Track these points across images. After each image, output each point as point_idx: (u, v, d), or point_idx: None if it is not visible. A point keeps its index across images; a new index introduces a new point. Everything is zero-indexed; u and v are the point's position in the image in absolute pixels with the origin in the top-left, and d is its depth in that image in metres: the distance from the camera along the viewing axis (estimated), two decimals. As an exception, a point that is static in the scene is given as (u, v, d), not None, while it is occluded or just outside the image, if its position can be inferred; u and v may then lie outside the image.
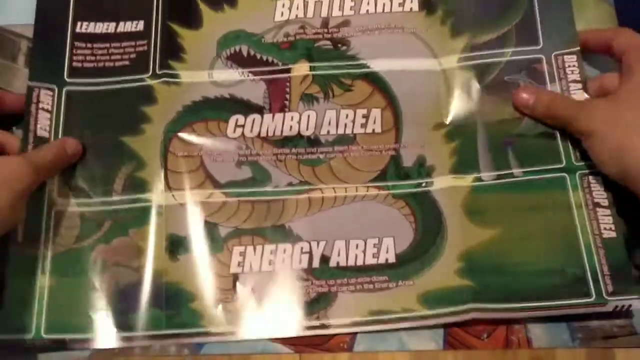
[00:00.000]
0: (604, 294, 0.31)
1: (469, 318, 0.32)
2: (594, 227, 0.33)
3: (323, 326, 0.32)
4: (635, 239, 0.33)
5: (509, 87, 0.36)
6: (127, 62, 0.37)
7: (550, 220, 0.33)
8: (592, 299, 0.31)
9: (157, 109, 0.36)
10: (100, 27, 0.37)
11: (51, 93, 0.36)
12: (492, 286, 0.32)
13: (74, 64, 0.37)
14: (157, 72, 0.37)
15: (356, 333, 0.33)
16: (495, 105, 0.36)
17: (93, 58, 0.37)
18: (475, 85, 0.36)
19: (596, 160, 0.32)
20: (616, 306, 0.31)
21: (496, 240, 0.33)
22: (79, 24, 0.38)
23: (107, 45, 0.37)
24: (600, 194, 0.33)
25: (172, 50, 0.37)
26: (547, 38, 0.36)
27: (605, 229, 0.32)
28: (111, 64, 0.37)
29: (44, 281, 0.33)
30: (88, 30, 0.37)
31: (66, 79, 0.36)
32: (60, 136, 0.35)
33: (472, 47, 0.37)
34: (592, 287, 0.31)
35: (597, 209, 0.33)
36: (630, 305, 0.31)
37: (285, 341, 0.32)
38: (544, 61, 0.36)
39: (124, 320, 0.32)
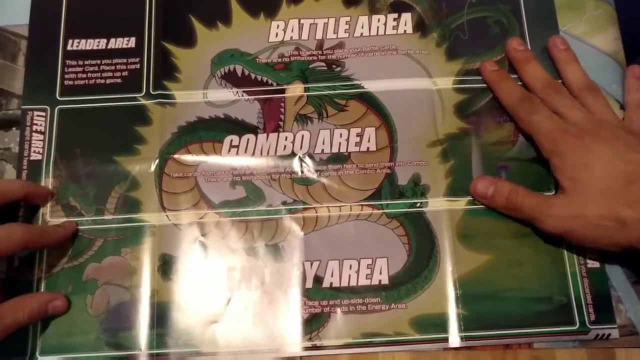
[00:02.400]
0: (586, 323, 0.32)
1: (458, 345, 0.32)
2: (579, 257, 0.33)
3: (315, 347, 0.32)
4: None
5: (503, 111, 0.36)
6: (119, 80, 0.37)
7: (539, 247, 0.33)
8: (575, 327, 0.32)
9: (151, 130, 0.36)
10: (91, 44, 0.38)
11: (44, 114, 0.36)
12: (482, 313, 0.32)
13: (66, 82, 0.37)
14: (152, 92, 0.37)
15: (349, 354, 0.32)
16: (489, 128, 0.36)
17: (84, 76, 0.37)
18: (471, 107, 0.36)
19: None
20: (597, 334, 0.32)
21: (487, 266, 0.33)
22: (70, 41, 0.38)
23: (98, 62, 0.37)
24: None
25: (166, 70, 0.37)
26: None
27: (590, 259, 0.33)
28: (102, 81, 0.37)
29: (36, 302, 0.33)
30: (79, 48, 0.38)
31: (58, 98, 0.37)
32: (52, 157, 0.35)
33: (467, 72, 0.37)
34: (576, 315, 0.32)
35: None
36: (609, 334, 0.32)
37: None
38: None
39: (115, 339, 0.32)
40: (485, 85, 0.37)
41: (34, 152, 0.35)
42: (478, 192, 0.34)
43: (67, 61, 0.37)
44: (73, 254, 0.34)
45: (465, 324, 0.32)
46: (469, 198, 0.35)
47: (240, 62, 0.37)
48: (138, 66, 0.37)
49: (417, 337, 0.32)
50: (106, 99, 0.37)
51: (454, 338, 0.32)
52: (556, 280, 0.33)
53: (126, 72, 0.37)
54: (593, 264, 0.33)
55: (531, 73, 0.35)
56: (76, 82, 0.37)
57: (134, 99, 0.37)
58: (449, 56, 0.37)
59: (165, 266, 0.34)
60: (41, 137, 0.35)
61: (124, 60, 0.37)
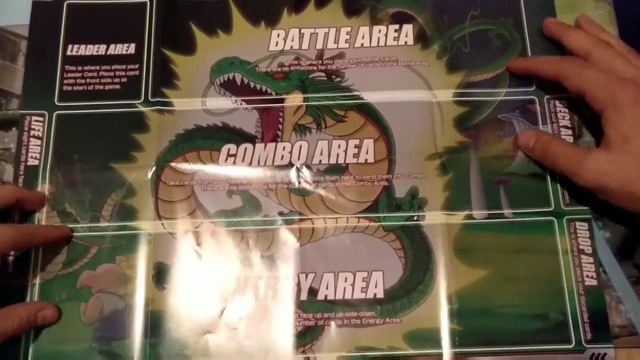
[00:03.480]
0: (582, 342, 0.32)
1: None
2: (577, 274, 0.33)
3: (308, 360, 0.32)
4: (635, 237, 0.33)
5: (503, 124, 0.36)
6: (117, 87, 0.37)
7: (536, 264, 0.33)
8: (571, 346, 0.32)
9: (149, 137, 0.36)
10: (90, 49, 0.38)
11: (42, 119, 0.36)
12: (477, 330, 0.32)
13: (65, 87, 0.37)
14: (150, 99, 0.37)
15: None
16: (489, 141, 0.36)
17: (83, 81, 0.37)
18: (470, 120, 0.36)
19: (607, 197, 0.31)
20: (593, 354, 0.32)
21: (483, 282, 0.33)
22: (70, 47, 0.38)
23: (97, 67, 0.37)
24: (585, 241, 0.33)
25: (165, 77, 0.37)
26: (540, 82, 0.37)
27: (587, 276, 0.33)
28: (101, 87, 0.37)
29: (29, 309, 0.33)
30: (79, 53, 0.37)
31: (56, 103, 0.36)
32: (49, 163, 0.35)
33: (467, 85, 0.37)
34: (572, 333, 0.32)
35: (582, 256, 0.33)
36: (605, 354, 0.32)
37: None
38: (537, 102, 0.36)
39: (108, 348, 0.32)
40: (485, 99, 0.36)
41: (31, 157, 0.35)
42: (522, 142, 0.34)
43: (67, 66, 0.37)
44: (67, 260, 0.34)
45: (460, 340, 0.32)
46: (467, 212, 0.34)
47: (239, 71, 0.37)
48: (137, 73, 0.37)
49: (412, 352, 0.32)
50: (105, 105, 0.36)
51: (448, 354, 0.32)
52: (553, 298, 0.32)
53: (125, 79, 0.37)
54: (590, 281, 0.33)
55: (576, 37, 0.34)
56: (75, 88, 0.37)
57: (133, 105, 0.36)
58: (450, 68, 0.37)
59: (159, 275, 0.34)
60: (39, 142, 0.35)
61: (124, 67, 0.37)
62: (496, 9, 0.38)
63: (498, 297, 0.33)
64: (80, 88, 0.37)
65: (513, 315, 0.32)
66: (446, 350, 0.32)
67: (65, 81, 0.37)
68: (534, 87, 0.37)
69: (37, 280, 0.33)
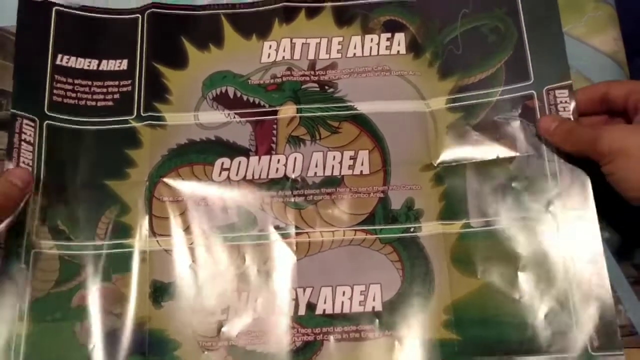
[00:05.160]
0: (589, 349, 0.31)
1: None
2: (583, 282, 0.32)
3: (308, 375, 0.32)
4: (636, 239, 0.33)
5: (499, 127, 0.35)
6: (110, 103, 0.37)
7: (539, 272, 0.33)
8: (577, 354, 0.31)
9: (142, 152, 0.36)
10: (81, 63, 0.37)
11: (33, 124, 0.35)
12: (477, 339, 0.32)
13: (54, 97, 0.36)
14: (142, 114, 0.36)
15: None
16: (485, 146, 0.35)
17: (74, 95, 0.36)
18: (465, 127, 0.36)
19: (619, 184, 0.31)
20: None
21: (482, 291, 0.33)
22: (59, 56, 0.37)
23: (89, 83, 0.37)
24: (591, 246, 0.32)
25: (157, 91, 0.37)
26: (538, 72, 0.35)
27: (596, 283, 0.32)
28: (93, 103, 0.37)
29: (21, 328, 0.32)
30: (69, 64, 0.37)
31: (46, 112, 0.36)
32: (42, 173, 0.35)
33: (461, 89, 0.36)
34: (577, 341, 0.31)
35: (589, 263, 0.32)
36: None
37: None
38: (535, 97, 0.35)
39: None
40: (480, 101, 0.36)
41: (23, 162, 0.34)
42: (542, 126, 0.34)
43: (56, 76, 0.37)
44: (60, 279, 0.33)
45: (460, 349, 0.31)
46: (464, 221, 0.34)
47: (232, 84, 0.37)
48: (129, 88, 0.37)
49: None
50: (97, 122, 0.36)
51: None
52: (556, 305, 0.32)
53: (118, 95, 0.37)
54: (598, 289, 0.32)
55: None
56: (65, 100, 0.36)
57: (125, 121, 0.36)
58: (442, 75, 0.37)
59: (156, 293, 0.33)
60: (30, 147, 0.35)
61: (116, 83, 0.37)
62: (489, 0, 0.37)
63: (498, 305, 0.32)
64: (72, 102, 0.36)
65: (513, 324, 0.32)
66: None
67: (55, 91, 0.36)
68: (532, 80, 0.35)
69: (27, 298, 0.33)
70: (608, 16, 0.37)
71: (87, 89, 0.37)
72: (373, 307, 0.33)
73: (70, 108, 0.36)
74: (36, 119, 0.35)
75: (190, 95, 0.37)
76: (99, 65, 0.37)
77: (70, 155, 0.35)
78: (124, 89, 0.37)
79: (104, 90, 0.37)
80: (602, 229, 0.33)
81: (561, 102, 0.35)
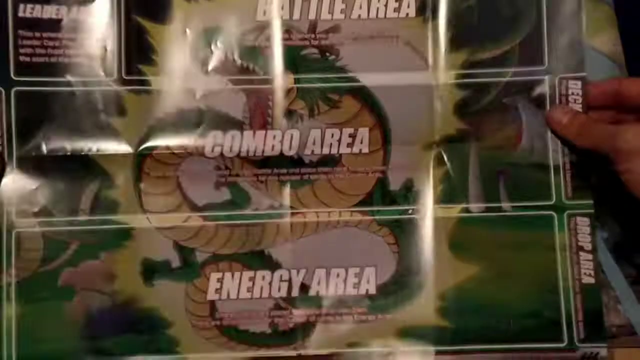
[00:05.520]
0: (575, 341, 0.32)
1: (444, 358, 0.32)
2: (574, 272, 0.32)
3: (300, 357, 0.32)
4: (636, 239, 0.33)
5: (507, 110, 0.34)
6: (85, 60, 0.33)
7: (532, 260, 0.33)
8: (563, 345, 0.32)
9: (126, 122, 0.33)
10: (48, 11, 0.33)
11: None
12: (469, 327, 0.32)
13: (21, 57, 0.32)
14: (124, 76, 0.33)
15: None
16: (491, 129, 0.34)
17: (44, 51, 0.33)
18: (472, 106, 0.34)
19: (635, 184, 0.30)
20: (585, 353, 0.32)
21: (477, 278, 0.33)
22: (21, 6, 0.32)
23: (59, 35, 0.33)
24: (584, 237, 0.33)
25: (141, 51, 0.33)
26: (553, 58, 0.34)
27: (585, 274, 0.32)
28: (67, 60, 0.33)
29: (9, 310, 0.32)
30: (34, 15, 0.33)
31: (13, 77, 0.32)
32: (15, 146, 0.32)
33: (472, 64, 0.34)
34: (565, 332, 0.32)
35: (580, 253, 0.33)
36: (598, 353, 0.32)
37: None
38: (547, 84, 0.34)
39: (98, 345, 0.32)
40: (490, 80, 0.34)
41: None
42: (554, 116, 0.32)
43: (20, 31, 0.32)
44: (45, 257, 0.32)
45: (451, 337, 0.32)
46: (463, 205, 0.33)
47: (223, 45, 0.34)
48: (107, 43, 0.33)
49: (403, 348, 0.32)
50: (72, 83, 0.33)
51: (439, 351, 0.32)
52: (547, 295, 0.32)
53: (94, 51, 0.33)
54: (588, 279, 0.32)
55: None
56: (35, 59, 0.33)
57: (105, 83, 0.33)
58: (454, 45, 0.34)
59: (147, 272, 0.32)
60: None
61: (90, 35, 0.33)
62: None
63: (491, 294, 0.33)
64: (42, 60, 0.33)
65: (505, 313, 0.32)
66: (437, 347, 0.32)
67: (22, 50, 0.32)
68: (546, 65, 0.34)
69: (13, 279, 0.32)
70: (607, 16, 0.35)
71: (57, 42, 0.33)
72: (367, 290, 0.33)
73: (41, 68, 0.32)
74: (1, 89, 0.32)
75: (177, 55, 0.34)
76: (68, 12, 0.33)
77: (45, 123, 0.32)
78: (101, 43, 0.33)
79: (77, 43, 0.33)
80: (601, 228, 0.33)
81: (572, 93, 0.33)
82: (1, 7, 0.32)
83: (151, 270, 0.33)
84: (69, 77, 0.33)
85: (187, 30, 0.34)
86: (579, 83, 0.33)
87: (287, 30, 0.34)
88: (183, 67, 0.33)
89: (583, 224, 0.33)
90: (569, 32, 0.34)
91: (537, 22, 0.34)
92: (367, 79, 0.34)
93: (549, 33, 0.34)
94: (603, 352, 0.32)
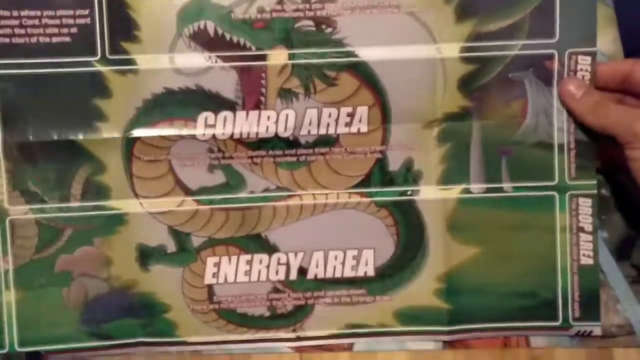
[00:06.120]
0: (570, 319, 0.32)
1: (442, 339, 0.33)
2: (573, 252, 0.32)
3: (299, 338, 0.33)
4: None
5: (513, 86, 0.32)
6: (67, 39, 0.31)
7: (532, 241, 0.32)
8: (558, 323, 0.32)
9: (112, 103, 0.31)
10: None
11: None
12: (467, 308, 0.32)
13: (0, 39, 0.31)
14: (108, 56, 0.31)
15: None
16: (495, 106, 0.32)
17: (23, 32, 0.31)
18: (477, 81, 0.32)
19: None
20: (578, 331, 0.32)
21: (476, 260, 0.32)
22: None
23: (38, 13, 0.31)
24: (586, 219, 0.32)
25: (124, 27, 0.31)
26: (565, 31, 0.32)
27: (584, 255, 0.32)
28: (47, 39, 0.31)
29: (9, 296, 0.32)
30: None
31: None
32: (0, 133, 0.31)
33: (478, 36, 0.32)
34: (560, 311, 0.32)
35: (580, 234, 0.32)
36: (591, 332, 0.32)
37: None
38: (556, 58, 0.32)
39: (97, 329, 0.32)
40: (497, 53, 0.32)
41: None
42: (567, 89, 0.31)
43: None
44: (40, 244, 0.32)
45: (450, 318, 0.32)
46: (464, 186, 0.33)
47: (211, 18, 0.31)
48: (88, 20, 0.31)
49: (402, 329, 0.33)
50: (54, 64, 0.31)
51: (438, 332, 0.33)
52: (544, 275, 0.32)
53: (75, 29, 0.31)
54: (586, 260, 0.32)
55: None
56: (14, 40, 0.31)
57: (88, 63, 0.31)
58: (459, 15, 0.32)
59: (143, 257, 0.32)
60: None
61: (71, 13, 0.31)
62: None
63: (489, 275, 0.32)
64: (21, 40, 0.31)
65: (503, 293, 0.32)
66: (436, 328, 0.33)
67: (0, 31, 0.30)
68: (557, 39, 0.32)
69: (10, 266, 0.31)
70: (606, 17, 0.32)
71: (37, 22, 0.31)
72: (365, 272, 0.33)
73: (21, 49, 0.31)
74: None
75: (163, 31, 0.31)
76: None
77: (29, 108, 0.31)
78: (82, 20, 0.31)
79: (57, 22, 0.31)
80: (601, 228, 0.33)
81: (582, 69, 0.31)
82: None
83: (147, 256, 0.32)
84: (50, 59, 0.31)
85: (173, 3, 0.31)
86: (589, 59, 0.31)
87: (280, 1, 0.32)
88: (169, 44, 0.31)
89: (585, 205, 0.32)
90: (583, 3, 0.31)
91: None
92: (366, 54, 0.32)
93: (562, 3, 0.31)
94: (597, 330, 0.32)
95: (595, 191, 0.32)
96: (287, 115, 0.32)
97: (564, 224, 0.32)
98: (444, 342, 0.33)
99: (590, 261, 0.32)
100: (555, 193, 0.32)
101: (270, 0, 0.32)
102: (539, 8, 0.32)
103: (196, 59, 0.32)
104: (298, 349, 0.33)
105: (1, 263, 0.32)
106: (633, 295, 0.33)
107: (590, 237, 0.32)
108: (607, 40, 0.33)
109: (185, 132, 0.32)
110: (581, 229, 0.32)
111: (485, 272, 0.33)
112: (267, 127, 0.32)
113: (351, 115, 0.32)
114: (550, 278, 0.32)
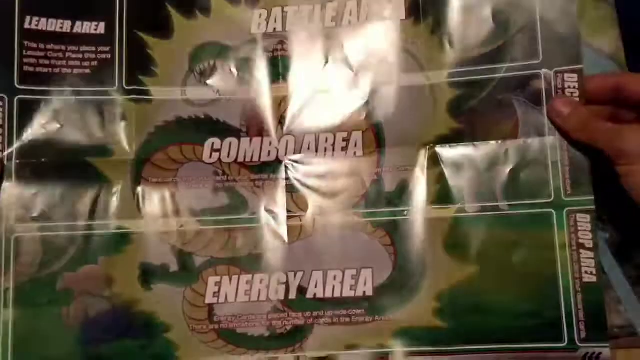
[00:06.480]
0: (576, 341, 0.31)
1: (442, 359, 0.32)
2: (575, 270, 0.32)
3: (298, 359, 0.32)
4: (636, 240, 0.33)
5: (502, 107, 0.34)
6: (87, 71, 0.34)
7: (531, 259, 0.32)
8: (563, 345, 0.31)
9: (126, 128, 0.34)
10: (53, 25, 0.34)
11: (1, 104, 0.33)
12: (467, 328, 0.32)
13: (25, 67, 0.34)
14: (125, 87, 0.34)
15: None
16: (486, 127, 0.34)
17: (47, 62, 0.34)
18: (465, 104, 0.34)
19: (636, 188, 0.29)
20: (587, 353, 0.31)
21: (474, 278, 0.32)
22: (27, 18, 0.34)
23: (63, 47, 0.34)
24: (585, 235, 0.32)
25: (141, 63, 0.35)
26: (548, 51, 0.33)
27: (586, 272, 0.32)
28: (69, 70, 0.34)
29: (7, 315, 0.32)
30: (39, 27, 0.34)
31: (17, 86, 0.34)
32: (15, 154, 0.33)
33: (463, 62, 0.34)
34: (565, 332, 0.31)
35: (581, 251, 0.32)
36: (600, 354, 0.31)
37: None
38: (542, 78, 0.33)
39: (96, 351, 0.32)
40: (483, 77, 0.34)
41: None
42: (555, 107, 0.32)
43: (26, 42, 0.34)
44: (43, 262, 0.32)
45: (449, 338, 0.32)
46: (459, 205, 0.34)
47: (220, 57, 0.35)
48: (109, 56, 0.34)
49: (400, 350, 0.32)
50: (74, 92, 0.34)
51: (438, 351, 0.32)
52: (546, 296, 0.32)
53: (96, 62, 0.34)
54: (589, 278, 0.31)
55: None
56: (37, 69, 0.34)
57: (106, 93, 0.34)
58: (444, 44, 0.35)
59: (145, 276, 0.33)
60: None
61: (93, 49, 0.34)
62: None
63: (489, 294, 0.32)
64: (45, 70, 0.34)
65: (503, 312, 0.32)
66: (436, 348, 0.32)
67: (26, 60, 0.34)
68: (540, 59, 0.33)
69: (11, 284, 0.32)
70: (607, 16, 0.35)
71: (61, 54, 0.34)
72: (364, 292, 0.33)
73: (44, 78, 0.34)
74: (5, 97, 0.33)
75: (176, 68, 0.35)
76: (72, 26, 0.34)
77: (45, 131, 0.34)
78: (103, 56, 0.34)
79: (80, 56, 0.34)
80: (602, 229, 0.33)
81: (569, 87, 0.33)
82: (8, 18, 0.34)
83: (149, 274, 0.33)
84: (70, 87, 0.34)
85: (186, 45, 0.35)
86: (576, 76, 0.33)
87: (281, 42, 0.35)
88: (181, 78, 0.35)
89: (583, 221, 0.32)
90: (564, 23, 0.33)
91: (530, 14, 0.34)
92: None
93: (542, 26, 0.33)
94: (605, 352, 0.31)
95: (592, 207, 0.32)
96: (287, 141, 0.34)
97: (563, 241, 0.32)
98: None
99: (593, 279, 0.31)
100: (552, 210, 0.33)
101: (273, 41, 0.35)
102: (521, 31, 0.34)
103: (205, 92, 0.35)
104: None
105: (2, 280, 0.32)
106: (635, 297, 0.33)
107: (591, 254, 0.32)
108: (608, 40, 0.35)
109: (193, 155, 0.34)
110: (581, 246, 0.32)
111: (485, 290, 0.32)
112: (269, 152, 0.34)
113: (347, 140, 0.34)
114: (553, 297, 0.32)
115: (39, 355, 0.32)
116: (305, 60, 0.35)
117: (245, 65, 0.35)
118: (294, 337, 0.32)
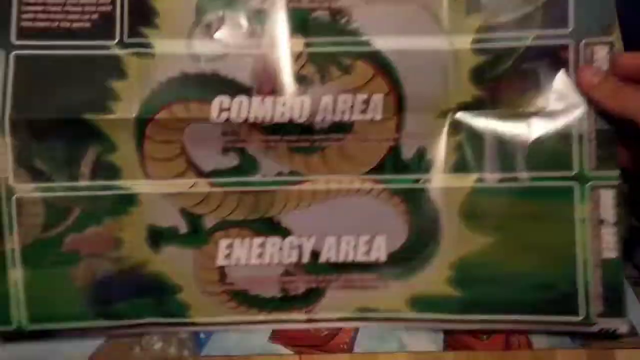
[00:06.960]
0: (592, 315, 0.31)
1: (453, 328, 0.32)
2: (594, 245, 0.31)
3: (310, 321, 0.32)
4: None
5: (527, 77, 0.32)
6: (87, 24, 0.32)
7: (548, 232, 0.32)
8: (579, 319, 0.31)
9: (127, 84, 0.32)
10: None
11: None
12: (480, 298, 0.32)
13: (23, 22, 0.31)
14: (126, 40, 0.32)
15: (341, 328, 0.33)
16: (510, 96, 0.32)
17: (45, 17, 0.31)
18: (489, 72, 0.32)
19: None
20: (602, 329, 0.31)
21: (490, 249, 0.32)
22: None
23: (62, 1, 0.31)
24: (607, 210, 0.31)
25: (143, 14, 0.32)
26: (579, 21, 0.32)
27: (605, 247, 0.31)
28: (67, 24, 0.32)
29: (17, 274, 0.31)
30: None
31: (14, 42, 0.31)
32: (10, 110, 0.31)
33: (490, 28, 0.32)
34: (581, 306, 0.31)
35: (601, 227, 0.31)
36: (616, 329, 0.31)
37: (285, 341, 0.33)
38: (571, 48, 0.32)
39: (107, 309, 0.32)
40: (509, 44, 0.32)
41: None
42: (583, 77, 0.31)
43: None
44: (47, 223, 0.31)
45: (461, 307, 0.32)
46: (478, 175, 0.33)
47: (229, 8, 0.32)
48: (110, 8, 0.32)
49: (412, 315, 0.32)
50: (73, 46, 0.31)
51: (450, 320, 0.32)
52: (563, 268, 0.31)
53: (96, 15, 0.32)
54: (609, 253, 0.31)
55: None
56: (36, 24, 0.31)
57: (106, 47, 0.32)
58: (470, 8, 0.33)
59: (153, 238, 0.32)
60: None
61: (93, 1, 0.32)
62: None
63: (505, 265, 0.32)
64: (43, 25, 0.31)
65: (519, 284, 0.32)
66: (447, 316, 0.32)
67: (24, 16, 0.31)
68: (571, 29, 0.32)
69: (17, 245, 0.31)
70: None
71: (59, 8, 0.32)
72: (377, 258, 0.33)
73: (42, 32, 0.31)
74: (2, 52, 0.31)
75: (181, 19, 0.32)
76: None
77: (42, 87, 0.31)
78: (103, 8, 0.32)
79: (79, 9, 0.32)
80: None
81: (598, 59, 0.31)
82: None
83: (158, 237, 0.32)
84: (69, 42, 0.31)
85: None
86: (606, 49, 0.31)
87: (296, -8, 0.32)
88: (187, 30, 0.32)
89: (607, 197, 0.31)
90: None
91: None
92: (382, 43, 0.33)
93: None
94: (623, 328, 0.31)
95: (617, 182, 0.31)
96: (302, 101, 0.32)
97: (584, 215, 0.31)
98: (450, 335, 0.33)
99: (614, 254, 0.31)
100: (574, 183, 0.32)
101: (287, -9, 0.32)
102: None
103: (213, 46, 0.32)
104: (298, 351, 0.32)
105: (8, 241, 0.31)
106: (635, 297, 0.33)
107: (612, 230, 0.31)
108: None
109: (199, 114, 0.32)
110: (602, 221, 0.31)
111: (500, 261, 0.32)
112: (282, 113, 0.32)
113: (366, 102, 0.33)
114: (570, 271, 0.31)
115: (52, 312, 0.31)
116: (322, 15, 0.32)
117: (256, 17, 0.32)
118: (307, 299, 0.32)
